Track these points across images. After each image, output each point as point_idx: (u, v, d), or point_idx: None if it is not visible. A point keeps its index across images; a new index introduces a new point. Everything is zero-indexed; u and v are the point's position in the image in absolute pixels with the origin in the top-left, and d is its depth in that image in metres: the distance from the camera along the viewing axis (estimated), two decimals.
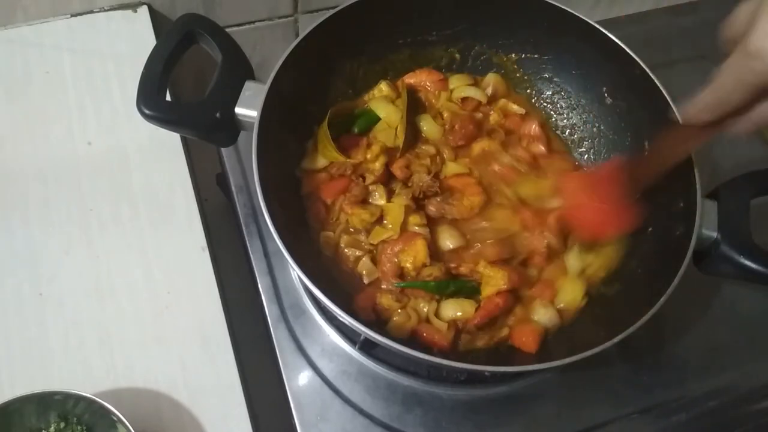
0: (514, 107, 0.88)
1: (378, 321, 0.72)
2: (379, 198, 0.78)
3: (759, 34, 0.53)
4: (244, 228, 0.86)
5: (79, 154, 0.83)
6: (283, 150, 0.77)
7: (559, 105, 0.90)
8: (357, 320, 0.63)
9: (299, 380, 0.77)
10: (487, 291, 0.74)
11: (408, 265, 0.74)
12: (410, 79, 0.88)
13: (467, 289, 0.75)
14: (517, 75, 0.90)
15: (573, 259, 0.78)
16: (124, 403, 0.63)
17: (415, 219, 0.77)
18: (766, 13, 0.53)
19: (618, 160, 0.79)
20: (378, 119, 0.83)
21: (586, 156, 0.88)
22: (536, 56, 0.88)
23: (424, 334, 0.72)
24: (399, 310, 0.73)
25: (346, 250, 0.76)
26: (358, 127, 0.82)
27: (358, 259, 0.75)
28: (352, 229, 0.77)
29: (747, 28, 0.55)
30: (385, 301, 0.73)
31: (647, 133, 0.81)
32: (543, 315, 0.75)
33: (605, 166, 0.80)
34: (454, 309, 0.73)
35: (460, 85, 0.88)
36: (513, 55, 0.89)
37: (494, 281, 0.74)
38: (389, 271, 0.74)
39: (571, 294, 0.76)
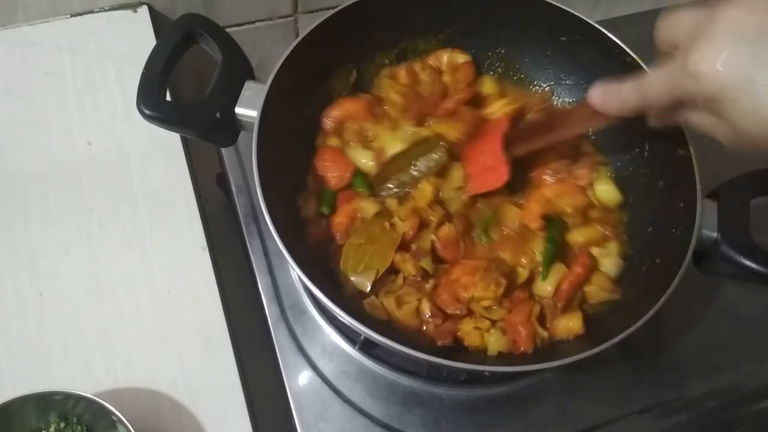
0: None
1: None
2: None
3: (700, 57, 0.51)
4: (244, 228, 0.86)
5: (79, 154, 0.83)
6: (283, 150, 0.77)
7: (558, 105, 0.90)
8: (357, 320, 0.63)
9: (299, 380, 0.77)
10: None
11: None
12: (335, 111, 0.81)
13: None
14: (518, 75, 0.90)
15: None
16: (124, 403, 0.63)
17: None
18: (710, 37, 0.51)
19: (510, 119, 0.79)
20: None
21: None
22: (536, 56, 0.88)
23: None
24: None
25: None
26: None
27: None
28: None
29: (687, 39, 0.53)
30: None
31: (647, 133, 0.81)
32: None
33: (500, 120, 0.80)
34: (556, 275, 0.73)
35: None
36: (513, 55, 0.89)
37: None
38: (448, 300, 0.71)
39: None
